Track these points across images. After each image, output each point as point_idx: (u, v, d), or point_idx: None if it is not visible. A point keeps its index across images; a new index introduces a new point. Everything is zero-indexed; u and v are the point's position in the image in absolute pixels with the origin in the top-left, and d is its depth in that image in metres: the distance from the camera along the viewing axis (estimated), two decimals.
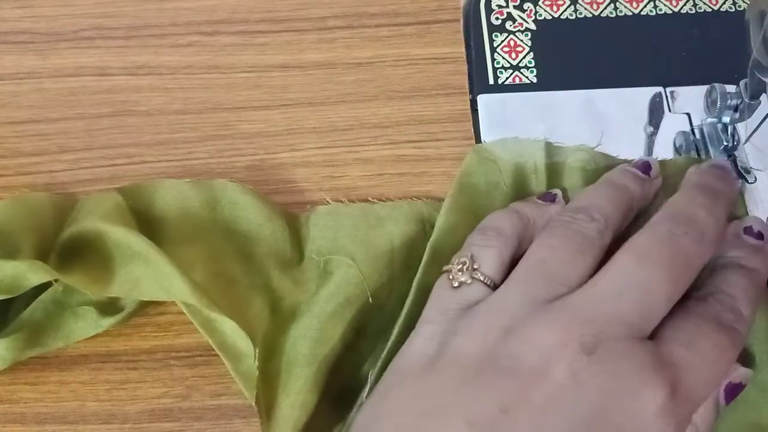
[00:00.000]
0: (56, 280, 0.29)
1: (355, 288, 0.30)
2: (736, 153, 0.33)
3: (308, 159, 0.35)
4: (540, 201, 0.31)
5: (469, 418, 0.24)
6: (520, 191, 0.33)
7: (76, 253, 0.31)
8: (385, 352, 0.29)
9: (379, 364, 0.28)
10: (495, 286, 0.27)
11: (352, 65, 0.37)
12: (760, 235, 0.30)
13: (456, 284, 0.28)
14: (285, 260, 0.32)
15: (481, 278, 0.27)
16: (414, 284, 0.30)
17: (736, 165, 0.33)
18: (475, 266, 0.28)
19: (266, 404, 0.28)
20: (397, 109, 0.36)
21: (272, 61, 0.37)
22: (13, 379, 0.30)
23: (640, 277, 0.26)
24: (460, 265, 0.28)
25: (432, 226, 0.32)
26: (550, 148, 0.33)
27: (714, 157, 0.33)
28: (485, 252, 0.28)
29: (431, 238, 0.31)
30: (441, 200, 0.32)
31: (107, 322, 0.30)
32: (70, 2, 0.38)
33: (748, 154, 0.33)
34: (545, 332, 0.25)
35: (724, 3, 0.37)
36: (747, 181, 0.33)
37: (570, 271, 0.27)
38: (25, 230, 0.30)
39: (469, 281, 0.27)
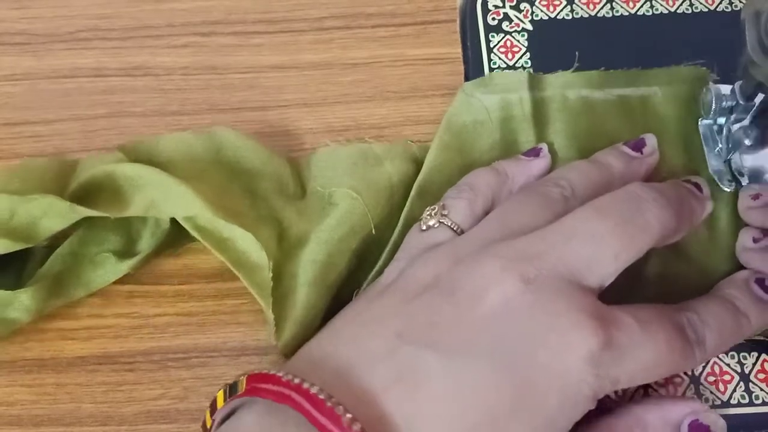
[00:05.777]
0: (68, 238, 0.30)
1: (359, 218, 0.31)
2: (730, 156, 0.33)
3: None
4: (524, 157, 0.32)
5: (399, 329, 0.25)
6: (506, 124, 0.34)
7: (87, 198, 0.31)
8: (368, 279, 0.30)
9: (363, 287, 0.30)
10: (462, 233, 0.29)
11: (348, 66, 0.37)
12: None
13: (424, 227, 0.29)
14: (289, 194, 0.33)
15: (448, 223, 0.29)
16: (401, 218, 0.31)
17: (730, 167, 0.33)
18: (444, 212, 0.29)
19: (277, 318, 0.29)
20: (394, 109, 0.36)
21: (268, 61, 0.37)
22: (9, 381, 0.31)
23: (591, 227, 0.26)
24: (430, 211, 0.30)
25: None
26: (532, 79, 0.35)
27: (708, 157, 0.34)
28: (455, 202, 0.30)
29: (419, 176, 0.32)
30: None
31: (126, 265, 0.31)
32: (66, 3, 0.38)
33: (742, 157, 0.33)
34: (489, 261, 0.25)
35: (720, 3, 0.37)
36: (740, 184, 0.33)
37: (527, 221, 0.27)
38: (32, 191, 0.31)
39: (436, 225, 0.29)
